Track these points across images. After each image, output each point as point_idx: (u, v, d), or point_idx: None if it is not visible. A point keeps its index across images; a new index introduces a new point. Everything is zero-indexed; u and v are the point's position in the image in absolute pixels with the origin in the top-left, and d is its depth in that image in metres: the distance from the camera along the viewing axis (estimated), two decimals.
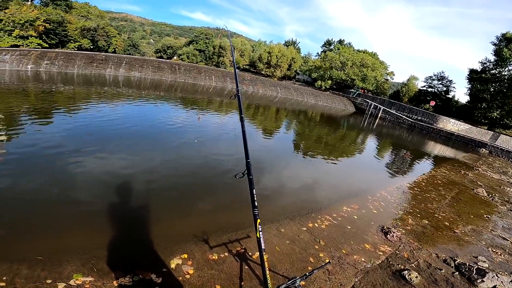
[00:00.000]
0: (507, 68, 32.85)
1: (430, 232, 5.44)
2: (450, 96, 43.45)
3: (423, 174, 10.73)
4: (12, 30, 27.66)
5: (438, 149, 20.12)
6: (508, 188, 10.92)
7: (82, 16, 46.09)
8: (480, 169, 14.09)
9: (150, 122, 10.01)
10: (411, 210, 6.49)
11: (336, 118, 26.50)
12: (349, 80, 43.89)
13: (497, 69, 33.51)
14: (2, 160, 5.16)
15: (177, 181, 5.80)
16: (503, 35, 32.67)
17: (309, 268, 3.56)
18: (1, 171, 4.81)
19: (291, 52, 49.71)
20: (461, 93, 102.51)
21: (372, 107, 35.44)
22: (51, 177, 4.96)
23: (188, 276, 3.08)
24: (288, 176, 7.49)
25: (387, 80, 52.29)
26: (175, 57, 59.76)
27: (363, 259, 4.05)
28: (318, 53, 58.30)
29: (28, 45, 28.29)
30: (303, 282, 3.14)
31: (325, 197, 6.50)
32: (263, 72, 47.32)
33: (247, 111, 16.96)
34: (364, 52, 49.87)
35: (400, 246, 4.65)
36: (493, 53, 33.73)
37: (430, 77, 44.43)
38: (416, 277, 3.66)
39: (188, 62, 46.57)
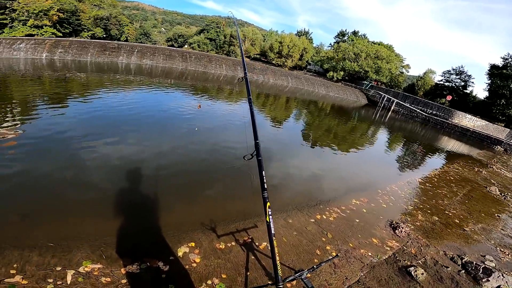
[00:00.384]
0: None
1: (439, 229, 5.37)
2: (467, 91, 42.04)
3: (435, 169, 10.54)
4: (27, 20, 28.04)
5: (452, 144, 19.64)
6: None
7: (95, 5, 46.12)
8: (494, 167, 13.71)
9: (161, 109, 10.10)
10: (421, 206, 6.40)
11: (347, 110, 26.09)
12: (362, 72, 42.88)
13: None
14: (16, 144, 5.31)
15: (185, 169, 5.86)
16: None
17: (316, 260, 3.58)
18: (14, 156, 4.95)
19: (303, 42, 48.68)
20: (479, 89, 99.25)
21: (385, 99, 34.66)
22: (63, 163, 5.07)
23: (194, 265, 3.14)
24: (297, 166, 7.45)
25: (402, 73, 50.88)
26: (186, 46, 59.48)
27: (370, 254, 4.04)
28: (330, 44, 57.00)
29: (43, 34, 28.65)
30: (309, 275, 3.17)
31: (334, 189, 6.47)
32: (274, 62, 46.70)
33: (257, 100, 16.86)
34: (379, 44, 48.42)
35: (408, 242, 4.61)
36: None
37: (448, 71, 42.98)
38: (422, 274, 3.64)
39: (199, 50, 46.29)
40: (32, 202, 3.93)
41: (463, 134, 25.89)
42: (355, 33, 54.05)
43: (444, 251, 4.50)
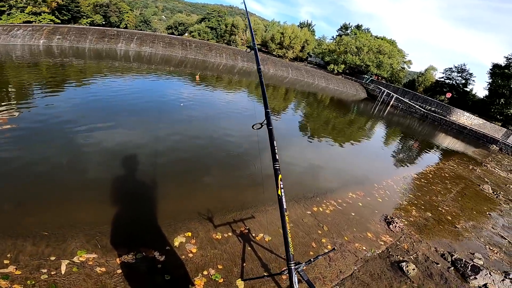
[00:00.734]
0: None
1: (432, 225, 5.47)
2: (467, 89, 42.03)
3: (431, 165, 10.63)
4: (25, 7, 27.51)
5: (448, 141, 19.75)
6: None
7: None
8: (488, 165, 13.85)
9: (158, 95, 10.09)
10: (415, 202, 6.49)
11: (346, 103, 26.07)
12: (364, 65, 42.69)
13: None
14: (10, 128, 5.27)
15: (183, 157, 5.84)
16: None
17: (311, 253, 3.64)
18: (8, 141, 4.89)
19: (305, 33, 48.17)
20: (479, 87, 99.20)
21: (384, 94, 34.62)
22: (58, 150, 5.02)
23: (191, 255, 3.17)
24: (294, 157, 7.47)
25: (403, 68, 50.73)
26: (186, 34, 58.61)
27: (364, 248, 4.12)
28: (333, 37, 56.40)
29: (41, 21, 28.16)
30: (305, 267, 3.22)
31: (331, 182, 6.53)
32: (274, 53, 46.23)
33: (256, 91, 16.76)
34: (382, 39, 48.04)
35: (401, 237, 4.70)
36: None
37: (450, 68, 42.87)
38: (413, 269, 3.73)
39: (200, 39, 45.64)
40: (26, 189, 3.86)
41: (460, 132, 26.02)
42: (358, 27, 53.45)
43: (435, 248, 4.60)
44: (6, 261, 2.61)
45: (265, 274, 3.03)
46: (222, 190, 5.02)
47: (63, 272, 2.63)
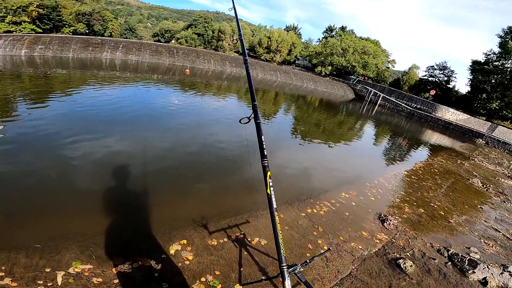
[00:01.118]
0: (510, 61, 32.93)
1: (425, 221, 5.52)
2: (450, 86, 43.31)
3: (420, 162, 10.81)
4: (5, 16, 26.97)
5: (435, 137, 20.19)
6: (503, 179, 11.04)
7: (77, 0, 44.68)
8: (476, 159, 14.19)
9: (146, 104, 9.91)
10: (407, 198, 6.56)
11: (335, 104, 26.36)
12: (350, 66, 43.45)
13: (500, 61, 33.66)
14: (0, 139, 5.11)
15: (174, 165, 5.75)
16: (510, 28, 32.60)
17: (308, 255, 3.61)
18: None
19: (292, 37, 48.79)
20: (461, 84, 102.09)
21: (371, 94, 35.24)
22: (47, 162, 4.90)
23: (187, 262, 3.11)
24: (286, 160, 7.45)
25: (388, 68, 51.83)
26: (173, 41, 58.40)
27: (360, 247, 4.12)
28: (319, 39, 57.31)
29: (21, 31, 27.64)
30: (302, 269, 3.19)
31: (324, 183, 6.52)
32: (262, 57, 46.54)
33: (245, 95, 16.76)
34: (366, 40, 49.13)
35: (396, 234, 4.72)
36: (497, 45, 33.84)
37: (432, 66, 44.25)
38: (411, 266, 3.74)
39: (187, 46, 45.55)
40: (16, 202, 3.79)
41: (446, 128, 26.67)
42: (343, 28, 54.50)
43: (431, 243, 4.63)
44: (1, 273, 2.56)
45: (263, 278, 2.98)
46: (215, 196, 4.97)
47: (59, 283, 2.57)
